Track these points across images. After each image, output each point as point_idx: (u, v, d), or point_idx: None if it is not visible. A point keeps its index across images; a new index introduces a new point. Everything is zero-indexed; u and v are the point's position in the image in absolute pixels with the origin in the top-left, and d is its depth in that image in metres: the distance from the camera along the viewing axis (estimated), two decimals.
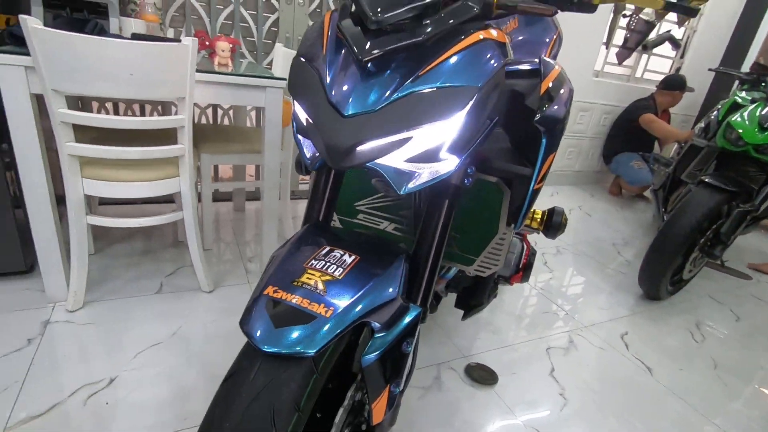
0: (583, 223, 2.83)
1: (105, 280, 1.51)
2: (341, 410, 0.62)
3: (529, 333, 1.57)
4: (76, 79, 1.07)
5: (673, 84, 3.17)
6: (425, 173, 0.56)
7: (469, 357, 1.39)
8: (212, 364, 1.21)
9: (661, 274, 1.76)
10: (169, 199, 2.12)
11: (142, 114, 2.06)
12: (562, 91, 0.72)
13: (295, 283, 0.55)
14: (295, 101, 0.60)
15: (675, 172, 2.20)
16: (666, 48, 3.65)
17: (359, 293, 0.55)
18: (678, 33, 3.64)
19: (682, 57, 3.79)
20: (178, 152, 1.28)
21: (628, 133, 3.34)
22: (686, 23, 3.60)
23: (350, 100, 0.52)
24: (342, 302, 0.53)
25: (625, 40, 3.39)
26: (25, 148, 1.16)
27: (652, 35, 3.44)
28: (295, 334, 0.49)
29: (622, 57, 3.45)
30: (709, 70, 2.46)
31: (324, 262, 0.58)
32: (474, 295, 1.07)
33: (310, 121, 0.56)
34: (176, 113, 1.25)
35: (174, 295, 1.48)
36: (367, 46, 0.51)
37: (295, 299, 0.53)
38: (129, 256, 1.68)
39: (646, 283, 1.84)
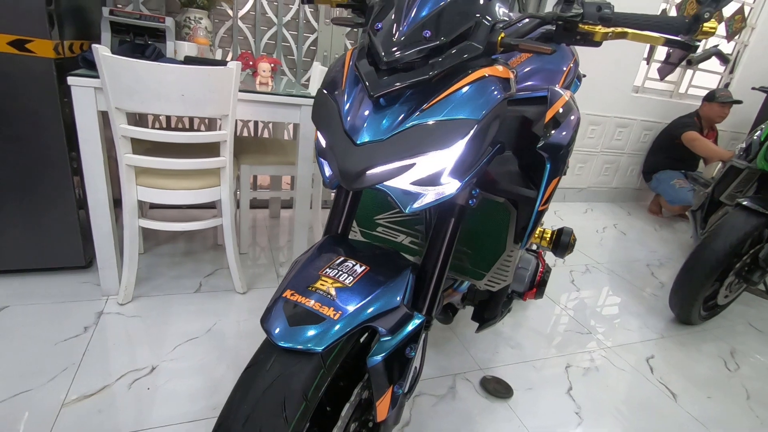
0: (616, 241, 2.77)
1: (151, 277, 1.66)
2: (347, 405, 0.69)
3: (549, 350, 1.57)
4: (136, 98, 1.21)
5: (710, 95, 3.06)
6: (429, 195, 0.62)
7: (486, 370, 1.42)
8: (242, 359, 1.31)
9: (693, 298, 1.71)
10: (210, 205, 2.27)
11: (191, 126, 2.24)
12: (567, 119, 0.76)
13: (310, 288, 0.62)
14: (317, 128, 0.68)
15: (714, 193, 2.12)
16: (714, 63, 3.52)
17: (366, 300, 0.62)
18: (727, 48, 3.50)
19: (731, 72, 3.63)
20: (220, 164, 1.41)
21: (669, 151, 3.24)
22: (736, 37, 3.45)
23: (362, 130, 0.59)
24: (350, 307, 0.60)
25: (668, 55, 3.30)
26: (91, 157, 1.32)
27: (699, 50, 3.32)
28: (307, 333, 0.57)
29: (663, 72, 3.36)
30: (753, 89, 2.37)
31: (337, 271, 0.66)
32: (488, 309, 1.11)
33: (329, 146, 0.64)
34: (220, 128, 1.38)
35: (211, 294, 1.61)
36: (378, 84, 0.59)
37: (309, 302, 0.60)
38: (172, 256, 1.83)
39: (677, 306, 1.79)
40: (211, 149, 1.54)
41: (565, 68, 0.96)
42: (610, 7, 0.70)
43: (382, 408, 0.69)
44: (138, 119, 1.95)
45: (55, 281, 1.53)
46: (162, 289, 1.59)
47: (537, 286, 1.12)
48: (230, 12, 2.03)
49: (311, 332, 0.57)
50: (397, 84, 0.59)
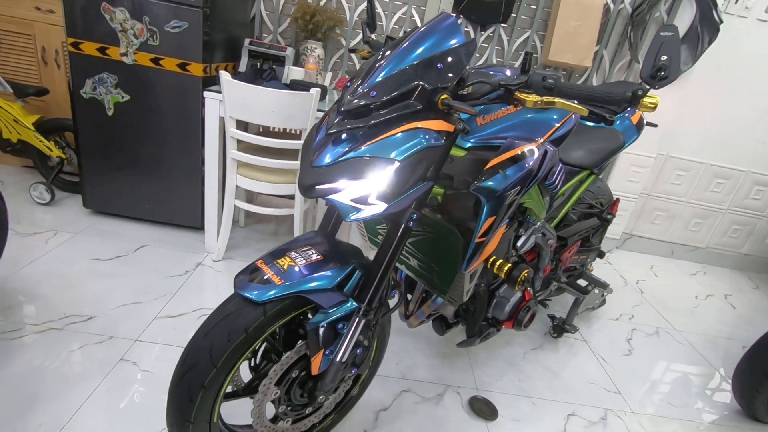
0: (717, 313, 2.41)
1: (242, 245, 2.12)
2: (289, 352, 0.92)
3: (557, 393, 1.56)
4: (243, 111, 1.64)
5: None
6: (364, 211, 0.82)
7: (482, 391, 1.50)
8: None
9: (755, 388, 1.49)
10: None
11: (284, 132, 2.72)
12: (510, 168, 0.87)
13: (274, 262, 0.88)
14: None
15: None
16: None
17: (304, 277, 0.85)
18: None
19: None
20: (297, 165, 1.78)
21: None
22: None
23: (318, 156, 0.83)
24: (291, 279, 0.84)
25: None
26: (211, 150, 1.80)
27: None
28: (255, 288, 0.83)
29: None
30: None
31: (298, 254, 0.91)
32: (467, 327, 1.22)
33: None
34: (300, 138, 1.74)
35: None
36: (334, 124, 0.82)
37: (267, 270, 0.86)
38: (263, 233, 2.29)
39: (738, 392, 1.57)
40: (293, 154, 1.93)
41: (557, 123, 1.03)
42: (554, 78, 0.81)
43: (315, 363, 0.92)
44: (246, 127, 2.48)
45: (179, 234, 2.09)
46: (246, 256, 2.04)
47: (515, 317, 1.18)
48: (343, 42, 2.42)
49: (257, 289, 0.83)
50: (348, 126, 0.81)
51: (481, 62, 2.49)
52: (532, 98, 0.80)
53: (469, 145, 0.99)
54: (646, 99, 0.76)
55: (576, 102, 0.80)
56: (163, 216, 2.09)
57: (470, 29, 2.41)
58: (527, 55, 0.84)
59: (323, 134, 0.84)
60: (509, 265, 1.03)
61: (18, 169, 2.45)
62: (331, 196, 0.82)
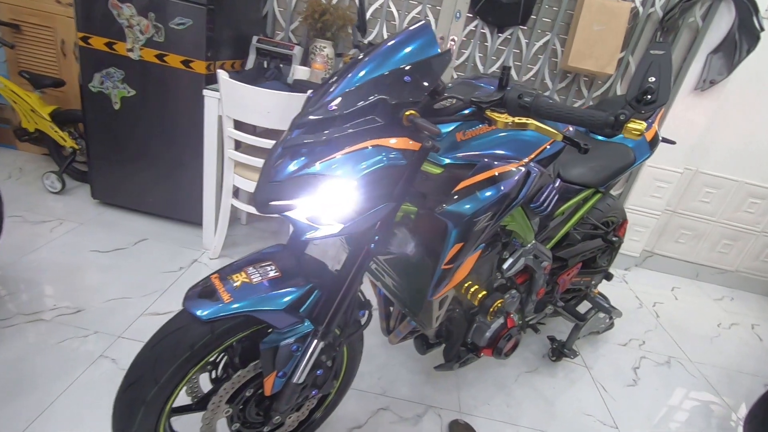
0: (739, 345, 2.24)
1: (241, 243, 2.12)
2: (240, 371, 0.89)
3: (547, 423, 1.47)
4: (239, 110, 1.62)
5: None
6: (320, 231, 0.78)
7: (464, 415, 1.43)
8: None
9: None
10: None
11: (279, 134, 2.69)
12: (482, 192, 0.80)
13: (228, 277, 0.85)
14: None
15: None
16: None
17: (255, 297, 0.81)
18: None
19: None
20: None
21: None
22: None
23: (274, 171, 0.78)
24: (241, 298, 0.81)
25: None
26: (209, 148, 1.80)
27: None
28: (203, 305, 0.80)
29: None
30: None
31: (255, 270, 0.87)
32: (444, 351, 1.16)
33: None
34: None
35: None
36: (288, 140, 0.77)
37: (220, 286, 0.83)
38: (263, 231, 2.28)
39: None
40: None
41: (546, 141, 0.95)
42: (531, 96, 0.74)
43: (267, 384, 0.88)
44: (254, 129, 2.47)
45: (180, 229, 2.11)
46: (243, 254, 2.03)
47: (494, 345, 1.11)
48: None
49: (205, 306, 0.79)
50: (305, 141, 0.76)
51: (495, 67, 2.38)
52: (503, 118, 0.73)
53: (447, 162, 0.93)
54: (630, 125, 0.68)
55: (550, 125, 0.72)
56: (165, 210, 2.11)
57: (486, 31, 2.31)
58: (505, 69, 0.77)
59: (281, 148, 0.80)
60: (484, 292, 0.96)
61: (37, 157, 2.54)
62: (286, 213, 0.78)
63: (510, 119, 0.73)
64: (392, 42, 0.80)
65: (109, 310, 1.53)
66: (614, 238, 1.48)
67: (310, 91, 0.83)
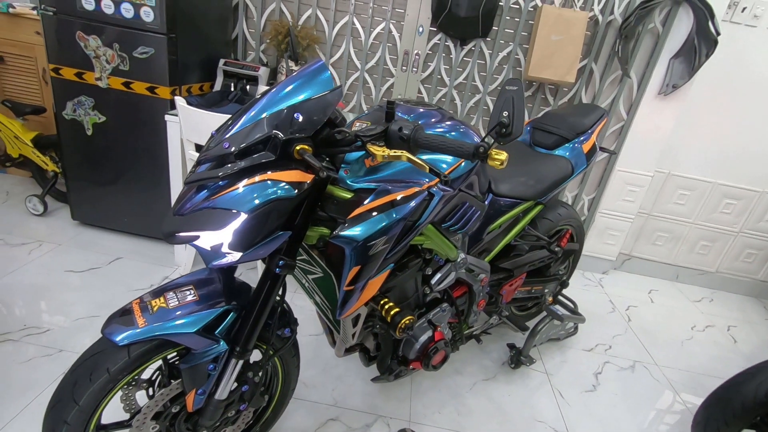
0: (711, 347, 2.23)
1: None
2: (163, 390, 0.95)
3: (496, 430, 1.50)
4: (196, 133, 1.69)
5: None
6: (225, 258, 0.83)
7: (413, 423, 1.47)
8: None
9: None
10: None
11: None
12: (377, 219, 0.86)
13: (147, 302, 0.91)
14: None
15: None
16: None
17: (169, 320, 0.87)
18: None
19: None
20: None
21: None
22: None
23: (178, 205, 0.84)
24: (155, 322, 0.87)
25: None
26: (174, 170, 1.88)
27: None
28: (119, 330, 0.86)
29: None
30: None
31: (173, 294, 0.93)
32: (377, 366, 1.21)
33: None
34: None
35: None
36: (191, 175, 0.83)
37: (137, 312, 0.89)
38: None
39: None
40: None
41: (448, 166, 0.99)
42: (410, 129, 0.79)
43: (189, 401, 0.94)
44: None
45: (154, 247, 2.19)
46: None
47: (423, 357, 1.15)
48: (323, 58, 2.44)
49: (119, 331, 0.86)
50: (202, 178, 0.82)
51: (461, 78, 2.43)
52: (381, 152, 0.78)
53: (357, 187, 0.98)
54: (493, 154, 0.72)
55: (422, 158, 0.77)
56: (140, 229, 2.19)
57: (450, 45, 2.36)
58: (389, 104, 0.82)
59: (185, 184, 0.86)
60: (396, 310, 1.01)
61: (25, 180, 2.65)
62: (194, 243, 0.84)
63: (387, 152, 0.78)
64: (287, 80, 0.86)
65: (76, 330, 1.61)
66: (556, 249, 1.52)
67: (213, 130, 0.89)
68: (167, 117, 1.80)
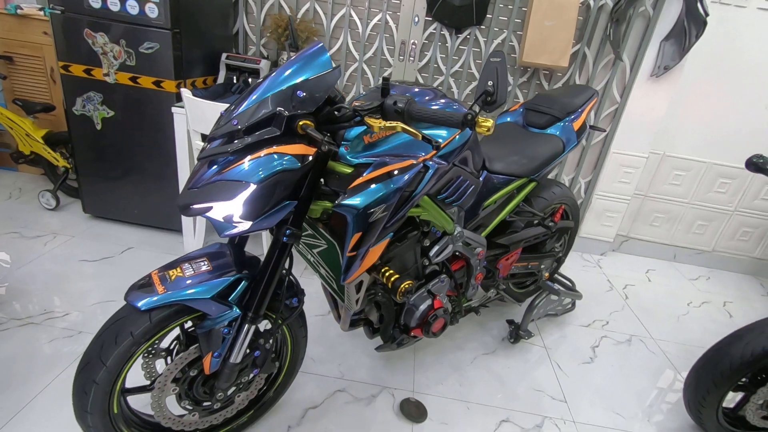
0: (708, 322, 2.29)
1: None
2: (183, 353, 1.02)
3: (495, 398, 1.57)
4: (202, 124, 1.76)
5: None
6: (236, 228, 0.90)
7: (417, 393, 1.54)
8: None
9: (702, 399, 1.43)
10: None
11: None
12: (374, 188, 0.92)
13: (165, 273, 0.99)
14: None
15: None
16: None
17: (186, 287, 0.94)
18: None
19: None
20: None
21: None
22: None
23: (192, 179, 0.91)
24: (173, 289, 0.94)
25: None
26: (182, 161, 1.95)
27: None
28: (140, 297, 0.93)
29: None
30: None
31: (189, 265, 1.00)
32: (381, 335, 1.28)
33: None
34: None
35: None
36: (203, 151, 0.90)
37: (156, 281, 0.96)
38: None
39: (687, 405, 1.52)
40: None
41: (443, 139, 1.06)
42: (404, 102, 0.86)
43: (206, 364, 1.01)
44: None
45: (163, 237, 2.27)
46: None
47: (423, 324, 1.22)
48: None
49: (141, 297, 0.93)
50: (214, 153, 0.89)
51: (458, 66, 2.49)
52: (377, 123, 0.85)
53: (357, 162, 1.05)
54: (480, 121, 0.79)
55: (415, 126, 0.84)
56: (150, 220, 2.27)
57: (446, 33, 2.42)
58: (384, 80, 0.89)
59: (198, 159, 0.93)
60: (396, 276, 1.08)
61: (36, 177, 2.74)
62: (206, 214, 0.91)
63: (383, 123, 0.84)
64: (289, 62, 0.93)
65: (93, 313, 1.69)
66: (550, 224, 1.58)
67: (222, 109, 0.96)
68: (174, 109, 1.87)
